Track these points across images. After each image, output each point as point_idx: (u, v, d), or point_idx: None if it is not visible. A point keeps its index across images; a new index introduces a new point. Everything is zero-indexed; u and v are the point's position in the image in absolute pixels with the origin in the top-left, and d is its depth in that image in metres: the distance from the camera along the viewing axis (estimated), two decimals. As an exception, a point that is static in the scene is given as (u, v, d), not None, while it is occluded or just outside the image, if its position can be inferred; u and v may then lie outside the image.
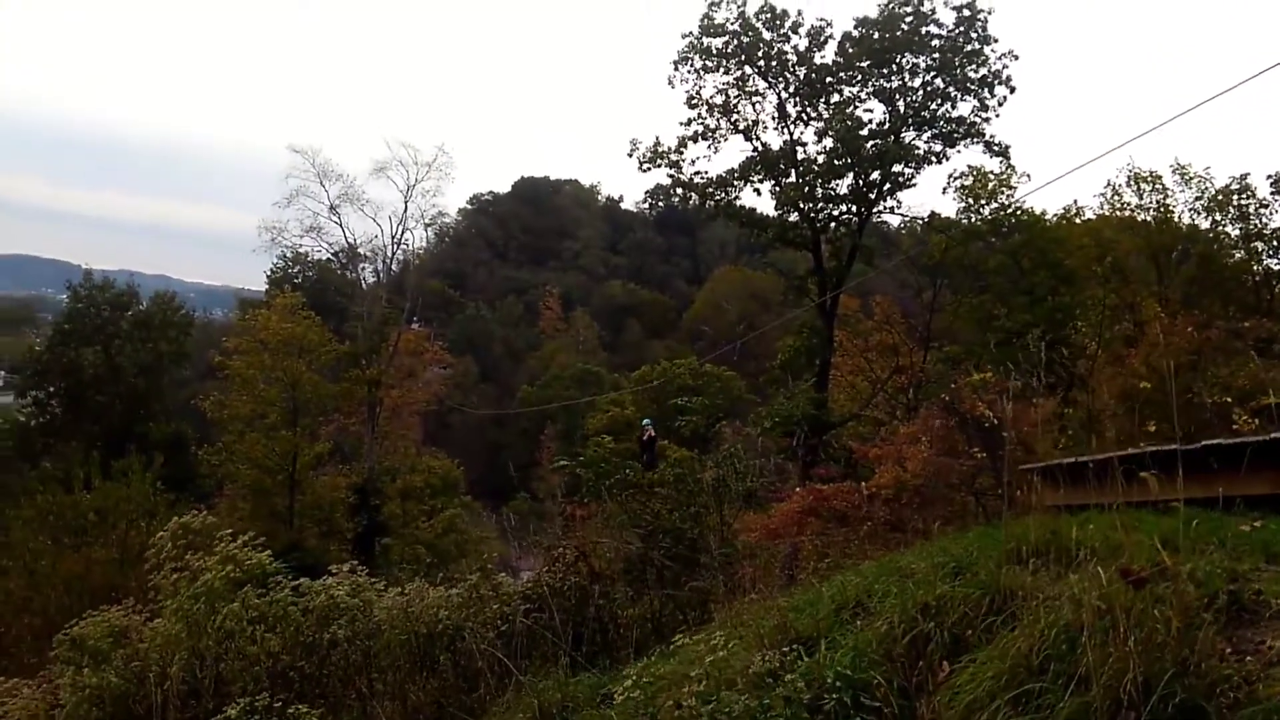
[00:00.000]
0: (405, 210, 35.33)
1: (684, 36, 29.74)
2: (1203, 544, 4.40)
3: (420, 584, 8.49)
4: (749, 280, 77.87)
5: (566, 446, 56.65)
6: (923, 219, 30.81)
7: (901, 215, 30.17)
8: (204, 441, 33.55)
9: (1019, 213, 37.15)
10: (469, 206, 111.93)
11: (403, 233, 35.35)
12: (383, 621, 7.57)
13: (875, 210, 30.08)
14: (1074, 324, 27.63)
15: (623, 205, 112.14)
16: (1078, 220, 39.19)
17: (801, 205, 29.27)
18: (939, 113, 28.45)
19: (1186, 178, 36.80)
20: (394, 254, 35.95)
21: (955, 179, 36.95)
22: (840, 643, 4.18)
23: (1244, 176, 38.22)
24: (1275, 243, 38.36)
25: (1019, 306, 36.25)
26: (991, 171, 35.61)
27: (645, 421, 30.85)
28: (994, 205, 37.12)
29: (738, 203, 31.50)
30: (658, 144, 31.20)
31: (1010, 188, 36.82)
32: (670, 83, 31.08)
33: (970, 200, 37.98)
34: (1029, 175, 36.31)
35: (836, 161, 29.38)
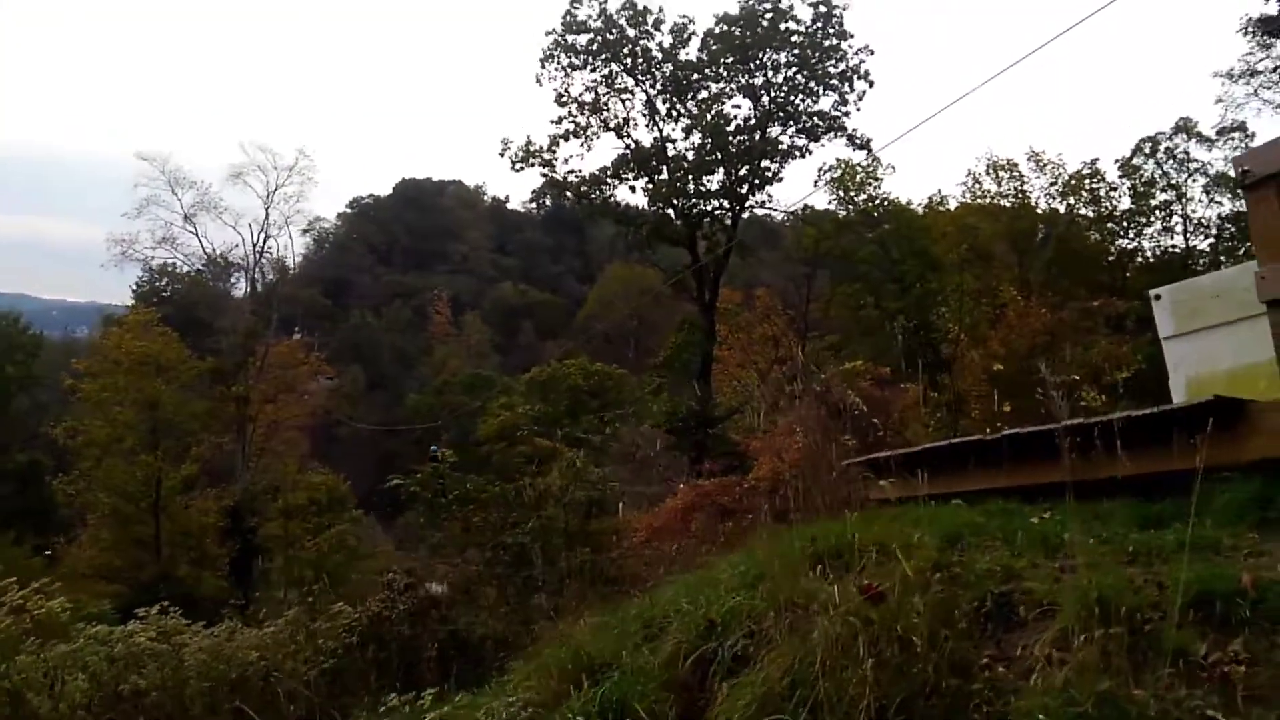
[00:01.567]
0: (267, 217, 33.96)
1: (548, 34, 29.44)
2: (990, 539, 4.36)
3: (232, 623, 7.91)
4: (639, 277, 77.79)
5: (461, 454, 55.42)
6: (794, 213, 31.34)
7: (772, 209, 30.60)
8: (61, 470, 31.37)
9: (885, 203, 38.38)
10: (349, 210, 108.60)
11: (265, 240, 33.98)
12: (191, 667, 7.01)
13: (747, 205, 30.41)
14: (938, 309, 28.52)
15: (509, 205, 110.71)
16: (941, 209, 40.71)
17: (675, 201, 29.37)
18: (801, 107, 28.93)
19: (1041, 164, 38.65)
20: (257, 263, 34.45)
21: (824, 172, 37.95)
22: (626, 668, 3.97)
23: (1094, 161, 40.41)
24: (1125, 224, 40.63)
25: (889, 294, 37.45)
26: (859, 164, 36.66)
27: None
28: (863, 196, 38.32)
29: (612, 200, 31.41)
30: (529, 143, 30.84)
31: (876, 179, 38.08)
32: (538, 80, 30.77)
33: (841, 192, 39.10)
34: (894, 167, 37.58)
35: (706, 157, 29.62)
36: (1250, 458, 4.27)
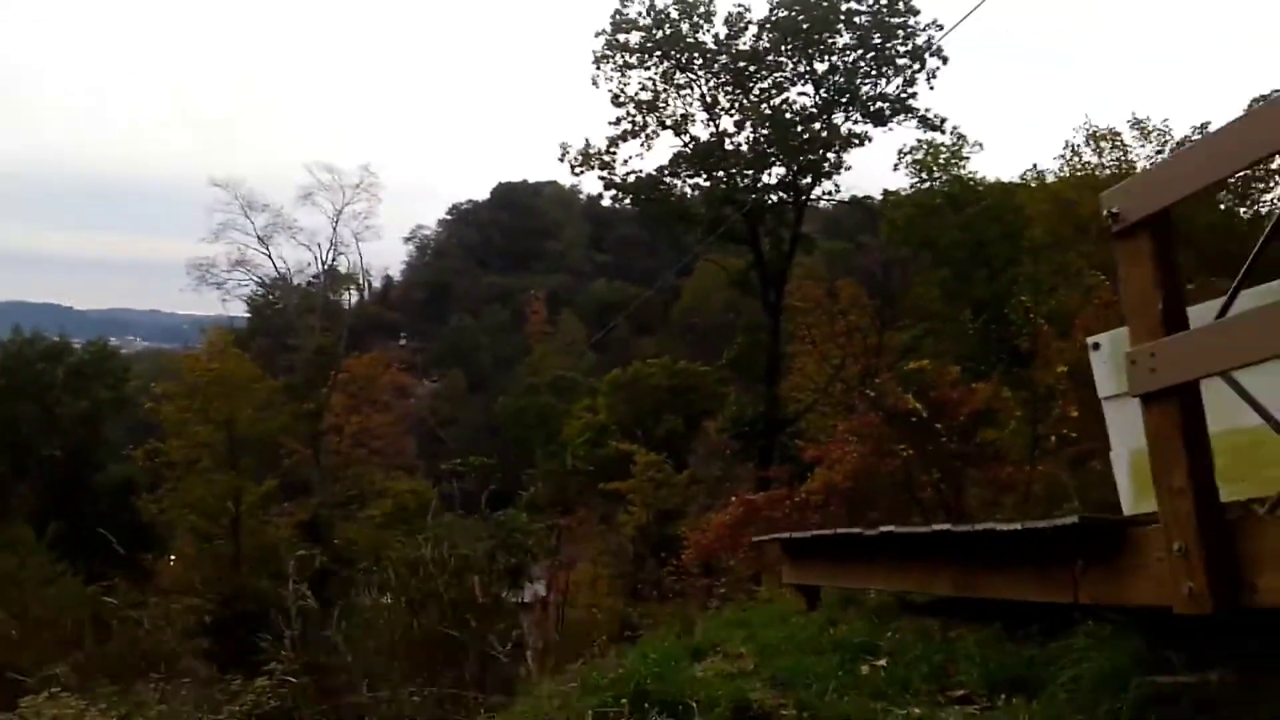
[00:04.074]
0: (335, 234, 34.68)
1: (598, 34, 28.71)
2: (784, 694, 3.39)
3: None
4: (734, 269, 76.45)
5: (546, 457, 55.87)
6: (860, 200, 29.82)
7: (830, 200, 29.09)
8: (155, 487, 32.68)
9: (972, 182, 36.06)
10: (448, 217, 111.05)
11: (334, 257, 34.66)
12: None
13: (812, 197, 29.03)
14: (1017, 297, 26.39)
15: (604, 202, 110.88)
16: (1036, 185, 37.92)
17: (734, 198, 28.24)
18: (864, 92, 27.34)
19: (1146, 131, 35.45)
20: (326, 279, 35.19)
21: (905, 154, 35.93)
22: None
23: (1204, 126, 36.80)
24: (1240, 192, 37.00)
25: (979, 281, 35.14)
26: (943, 144, 34.57)
27: None
28: (947, 177, 36.13)
29: (672, 198, 30.56)
30: (588, 146, 30.29)
31: (962, 158, 35.82)
32: (594, 82, 30.09)
33: (924, 174, 36.97)
34: (981, 144, 35.19)
35: (766, 150, 28.40)
36: (1135, 602, 3.14)
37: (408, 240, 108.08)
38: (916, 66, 27.57)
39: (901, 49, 27.66)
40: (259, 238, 33.55)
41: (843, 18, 27.67)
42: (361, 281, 36.25)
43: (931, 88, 27.75)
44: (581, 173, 30.97)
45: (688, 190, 30.08)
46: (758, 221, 28.55)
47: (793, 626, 4.46)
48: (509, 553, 10.48)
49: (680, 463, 42.98)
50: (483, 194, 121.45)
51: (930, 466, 18.70)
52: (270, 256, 34.36)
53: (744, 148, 27.98)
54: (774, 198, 28.37)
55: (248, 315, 53.72)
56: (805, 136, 27.28)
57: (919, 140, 34.82)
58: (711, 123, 29.08)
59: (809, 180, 28.21)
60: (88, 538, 31.71)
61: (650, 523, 37.36)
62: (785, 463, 27.23)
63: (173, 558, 32.65)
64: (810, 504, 19.19)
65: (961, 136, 33.18)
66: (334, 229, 34.76)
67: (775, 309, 28.95)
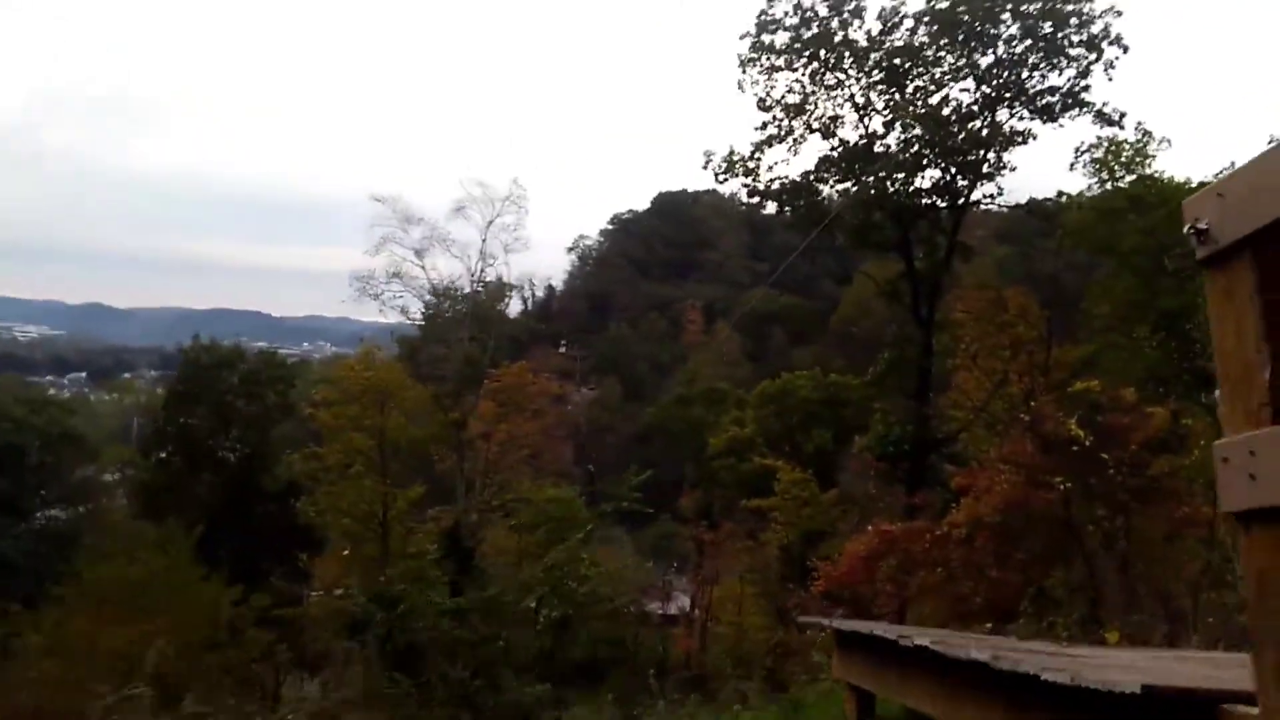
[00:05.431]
0: (484, 246, 35.13)
1: (742, 37, 27.75)
2: None
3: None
4: (887, 277, 73.40)
5: (697, 468, 55.31)
6: (1050, 200, 27.48)
7: (992, 203, 26.83)
8: (314, 490, 34.30)
9: (1159, 182, 32.67)
10: (610, 227, 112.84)
11: (482, 269, 35.13)
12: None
13: (970, 201, 26.93)
14: (1202, 311, 23.31)
15: (763, 210, 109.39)
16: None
17: (883, 204, 26.61)
18: (1031, 86, 25.08)
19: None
20: (475, 290, 35.73)
21: (1082, 152, 32.99)
22: None
23: None
24: None
25: (1165, 291, 31.70)
26: (1125, 141, 31.53)
27: None
28: (1131, 178, 32.91)
29: (820, 205, 29.23)
30: (731, 153, 29.42)
31: (1147, 156, 32.50)
32: (740, 86, 29.16)
33: (1104, 174, 33.84)
34: (1169, 141, 31.74)
35: (922, 151, 26.58)
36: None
37: (570, 250, 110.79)
38: (1092, 56, 25.04)
39: (1075, 38, 25.20)
40: (415, 250, 34.52)
41: (1009, 6, 25.51)
42: (525, 290, 36.69)
43: (1110, 79, 25.14)
44: (725, 180, 30.17)
45: (835, 195, 28.69)
46: (909, 227, 26.76)
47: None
48: (560, 600, 9.72)
49: (830, 480, 41.24)
50: (644, 203, 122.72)
51: (1093, 501, 16.65)
52: (424, 269, 35.33)
53: (894, 149, 26.29)
54: (927, 201, 26.52)
55: (419, 324, 55.96)
56: (962, 136, 25.30)
57: (1098, 138, 31.99)
58: (861, 124, 27.56)
59: (967, 182, 26.15)
60: (253, 537, 33.79)
61: (795, 543, 35.89)
62: (935, 488, 25.34)
63: (345, 551, 34.08)
64: (953, 538, 17.51)
65: (1147, 132, 30.03)
66: (483, 241, 35.34)
67: (928, 321, 27.03)
